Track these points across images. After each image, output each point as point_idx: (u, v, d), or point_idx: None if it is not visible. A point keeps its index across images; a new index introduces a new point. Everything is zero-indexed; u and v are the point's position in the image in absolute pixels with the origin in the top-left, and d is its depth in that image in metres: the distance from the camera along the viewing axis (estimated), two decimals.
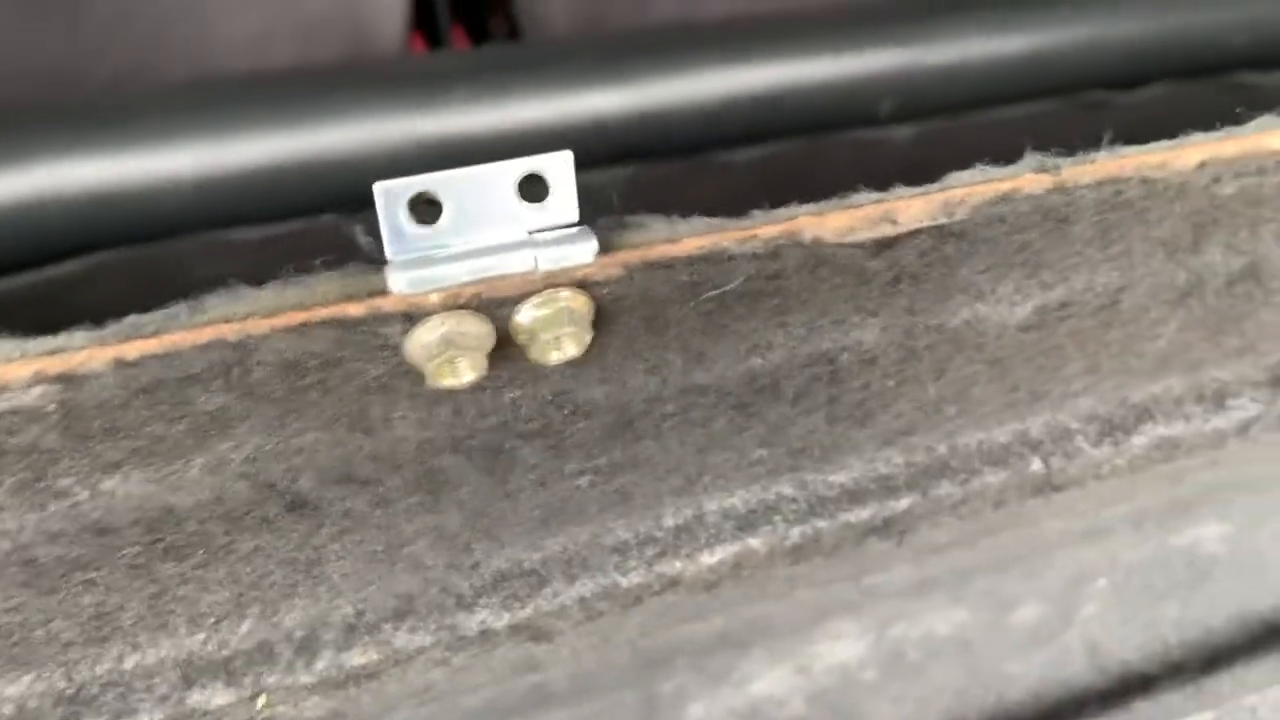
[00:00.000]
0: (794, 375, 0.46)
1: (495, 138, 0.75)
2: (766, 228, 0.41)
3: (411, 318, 0.38)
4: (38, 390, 0.33)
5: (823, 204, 0.43)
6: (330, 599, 0.45)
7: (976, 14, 0.84)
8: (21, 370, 0.32)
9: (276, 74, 0.80)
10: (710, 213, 0.41)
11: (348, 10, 0.96)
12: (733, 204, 0.43)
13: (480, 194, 0.38)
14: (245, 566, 0.42)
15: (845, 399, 0.48)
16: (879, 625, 0.65)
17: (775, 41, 0.81)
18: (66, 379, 0.33)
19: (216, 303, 0.36)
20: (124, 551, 0.39)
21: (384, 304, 0.38)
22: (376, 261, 0.38)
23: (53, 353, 0.33)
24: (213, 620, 0.43)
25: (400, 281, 0.37)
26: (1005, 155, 0.45)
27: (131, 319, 0.34)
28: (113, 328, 0.34)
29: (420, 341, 0.38)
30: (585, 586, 0.49)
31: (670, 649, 0.58)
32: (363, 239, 0.39)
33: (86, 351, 0.33)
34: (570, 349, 0.39)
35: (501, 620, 0.48)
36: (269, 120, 0.71)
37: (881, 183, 0.44)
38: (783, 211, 0.42)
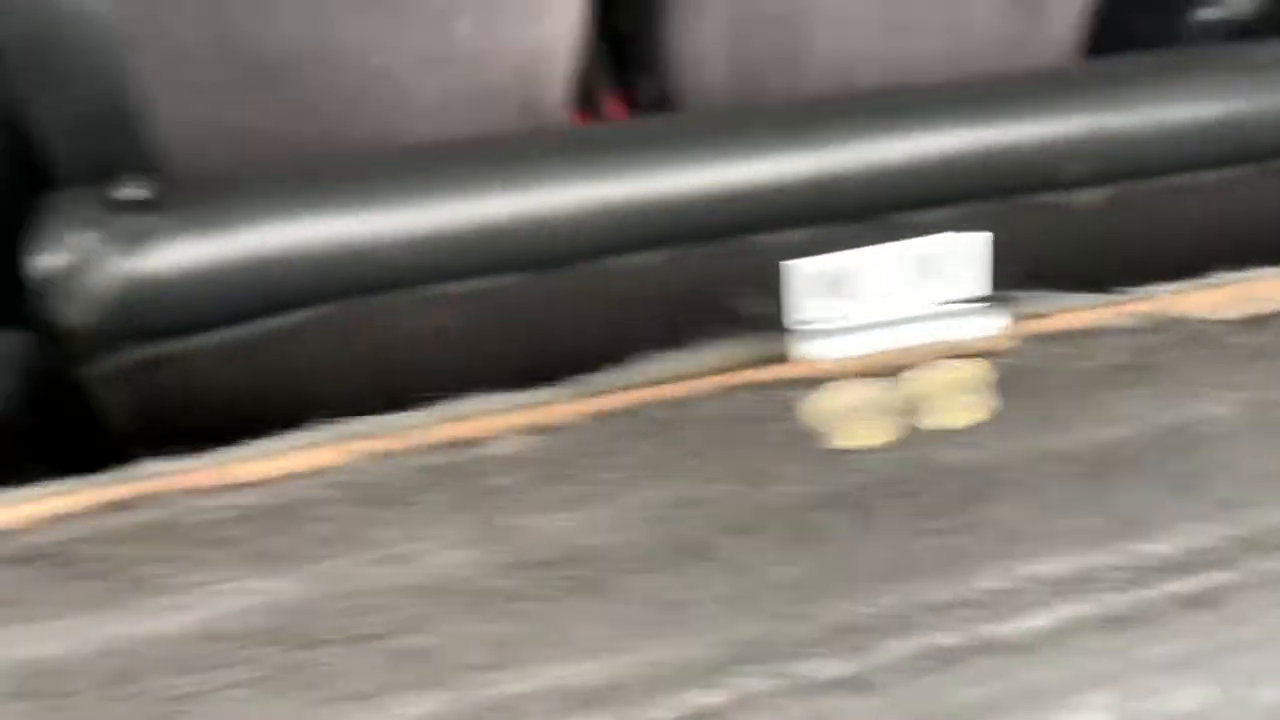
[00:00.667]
0: (1145, 446, 0.47)
1: (684, 203, 0.77)
2: (1140, 304, 0.43)
3: (814, 382, 0.41)
4: (522, 439, 0.36)
5: (1186, 282, 0.44)
6: (688, 640, 0.48)
7: (1168, 79, 0.84)
8: (509, 420, 0.36)
9: (491, 141, 0.84)
10: None
11: (520, 80, 1.01)
12: None
13: (886, 269, 0.40)
14: (628, 606, 0.45)
15: (1188, 470, 0.49)
16: (1129, 698, 0.64)
17: (942, 109, 0.82)
18: (552, 429, 0.36)
19: (648, 366, 0.39)
20: (548, 585, 0.42)
21: (791, 370, 0.40)
22: (774, 330, 0.41)
23: (536, 405, 0.36)
24: (589, 654, 0.46)
25: (809, 349, 0.40)
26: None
27: (598, 378, 0.37)
28: (582, 384, 0.37)
29: (822, 405, 0.41)
30: (911, 643, 0.50)
31: (945, 712, 0.58)
32: (754, 309, 0.42)
33: (571, 405, 0.36)
34: (969, 415, 0.41)
35: (833, 670, 0.49)
36: (480, 185, 0.75)
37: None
38: (1151, 289, 0.44)
